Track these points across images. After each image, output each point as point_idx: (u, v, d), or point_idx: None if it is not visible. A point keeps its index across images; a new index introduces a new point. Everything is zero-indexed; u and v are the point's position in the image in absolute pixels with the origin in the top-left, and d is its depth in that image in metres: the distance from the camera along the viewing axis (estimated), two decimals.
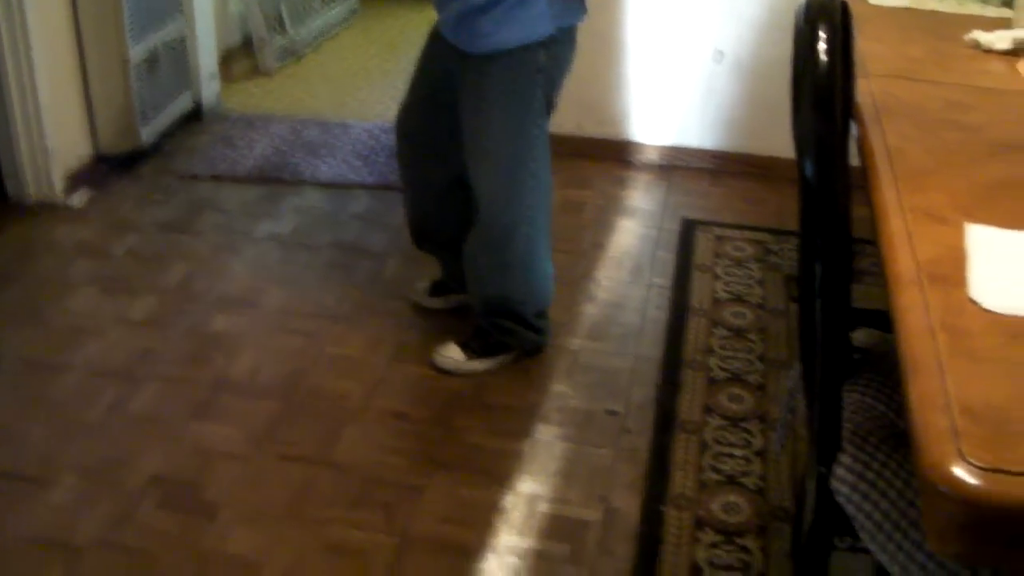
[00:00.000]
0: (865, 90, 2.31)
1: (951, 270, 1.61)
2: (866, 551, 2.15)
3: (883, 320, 2.23)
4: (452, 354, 3.22)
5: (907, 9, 3.00)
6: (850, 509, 1.80)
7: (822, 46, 1.60)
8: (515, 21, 2.83)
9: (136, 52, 4.38)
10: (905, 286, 1.59)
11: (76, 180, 4.29)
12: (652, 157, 4.56)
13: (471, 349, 3.22)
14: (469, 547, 2.59)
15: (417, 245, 3.42)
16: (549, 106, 3.00)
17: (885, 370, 2.06)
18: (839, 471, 1.82)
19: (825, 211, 1.62)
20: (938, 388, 1.35)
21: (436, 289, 3.50)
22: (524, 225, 3.05)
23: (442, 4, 2.95)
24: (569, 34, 2.95)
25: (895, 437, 1.88)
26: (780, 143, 4.30)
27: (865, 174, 2.02)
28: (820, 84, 1.60)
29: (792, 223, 3.92)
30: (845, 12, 1.73)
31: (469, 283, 3.22)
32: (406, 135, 3.25)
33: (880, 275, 3.51)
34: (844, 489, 1.81)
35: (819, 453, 1.84)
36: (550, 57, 2.90)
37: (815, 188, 1.62)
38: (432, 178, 3.21)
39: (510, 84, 2.91)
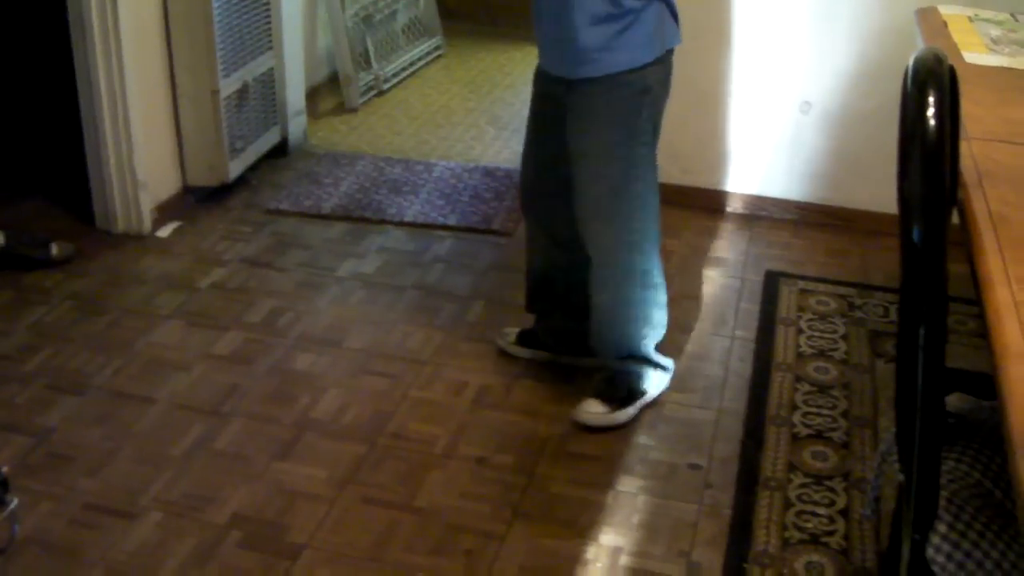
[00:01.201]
0: (966, 153, 2.29)
1: None
2: None
3: (973, 381, 2.22)
4: (595, 409, 3.20)
5: (1005, 69, 2.97)
6: None
7: (931, 111, 1.58)
8: (621, 47, 2.85)
9: (227, 85, 4.44)
10: (1013, 359, 1.56)
11: (164, 212, 4.35)
12: (736, 206, 4.55)
13: (612, 399, 3.21)
14: None
15: (529, 302, 3.43)
16: (655, 130, 3.01)
17: (981, 438, 2.04)
18: (935, 539, 1.80)
19: (931, 276, 1.60)
20: None
21: (524, 339, 3.50)
22: (635, 253, 3.08)
23: (545, 36, 2.98)
24: (670, 56, 2.98)
25: (992, 507, 1.86)
26: (863, 196, 4.34)
27: (967, 240, 2.00)
28: (929, 150, 1.58)
29: (876, 278, 3.93)
30: (952, 76, 1.72)
31: (594, 332, 3.23)
32: (527, 187, 3.28)
33: (964, 334, 3.49)
34: (940, 558, 1.79)
35: (915, 520, 1.82)
36: (655, 79, 2.93)
37: (922, 252, 1.60)
38: (556, 229, 3.22)
39: (616, 106, 2.93)
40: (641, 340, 3.20)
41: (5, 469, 2.87)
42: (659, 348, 3.30)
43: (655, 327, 3.23)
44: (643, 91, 2.92)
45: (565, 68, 2.95)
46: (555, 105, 3.04)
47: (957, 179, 2.08)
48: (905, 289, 1.71)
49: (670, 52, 2.99)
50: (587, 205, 3.06)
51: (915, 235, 1.59)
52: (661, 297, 3.20)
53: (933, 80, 1.60)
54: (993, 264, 1.82)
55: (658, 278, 3.17)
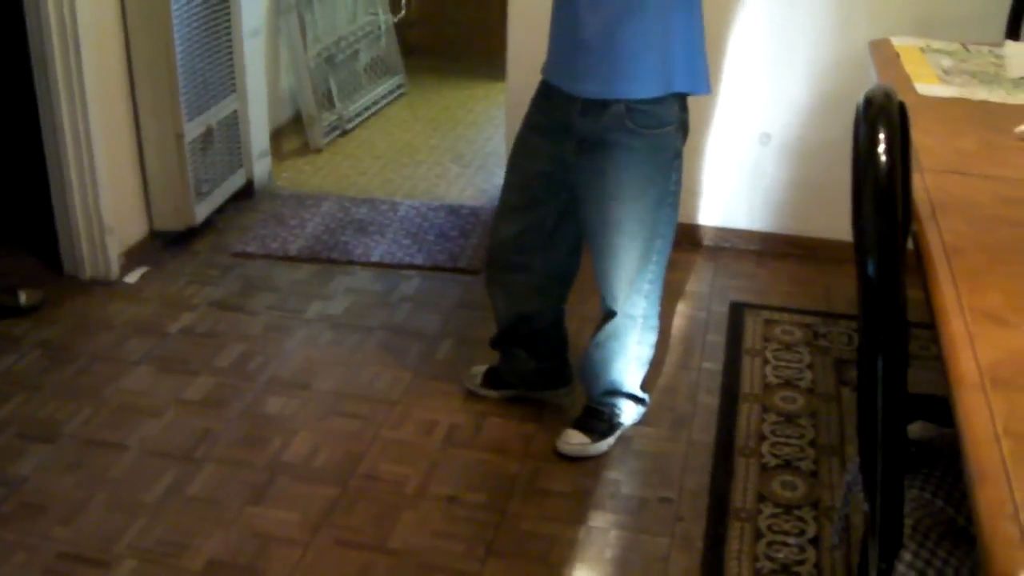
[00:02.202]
0: (919, 185, 2.32)
1: (1014, 374, 1.62)
2: None
3: (937, 407, 2.25)
4: (577, 440, 3.24)
5: (956, 100, 3.01)
6: None
7: (882, 147, 1.61)
8: (687, 68, 2.89)
9: (191, 128, 4.45)
10: (968, 390, 1.59)
11: (132, 257, 4.36)
12: (699, 238, 4.59)
13: (593, 431, 3.25)
14: None
15: (498, 342, 3.45)
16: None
17: (944, 465, 2.07)
18: (901, 568, 1.83)
19: (887, 308, 1.63)
20: (1006, 496, 1.35)
21: (490, 380, 3.52)
22: (646, 301, 3.14)
23: (592, 55, 2.86)
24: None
25: (955, 533, 1.89)
26: (825, 224, 4.39)
27: (922, 271, 2.03)
28: (881, 187, 1.61)
29: (839, 306, 3.98)
30: (903, 111, 1.75)
31: (589, 369, 3.27)
32: (501, 250, 3.25)
33: (927, 358, 3.53)
34: None
35: (880, 548, 1.85)
36: (681, 142, 2.98)
37: (877, 286, 1.63)
38: (532, 276, 3.24)
39: (652, 169, 2.95)
40: (628, 378, 3.25)
41: None
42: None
43: (643, 365, 3.28)
44: (675, 155, 2.97)
45: (629, 85, 2.86)
46: (552, 163, 3.03)
47: (911, 212, 2.11)
48: (863, 321, 1.74)
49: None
50: (609, 265, 3.08)
51: (870, 269, 1.62)
52: (654, 338, 3.25)
53: (883, 116, 1.64)
54: (948, 295, 1.86)
55: (655, 321, 3.22)
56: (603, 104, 2.88)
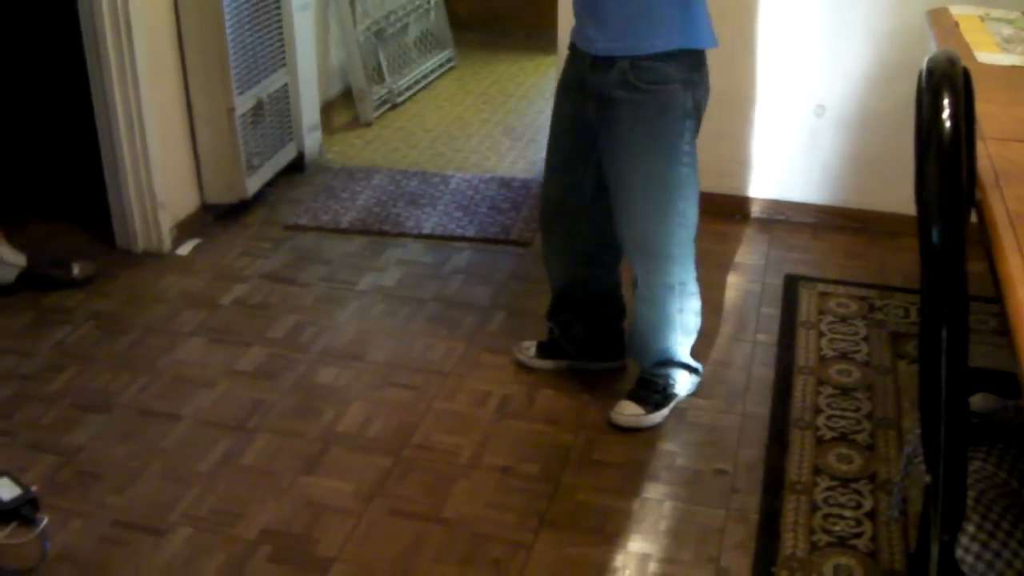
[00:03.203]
0: (982, 153, 2.29)
1: None
2: None
3: (997, 381, 2.22)
4: (631, 411, 3.23)
5: (1017, 68, 2.97)
6: None
7: (946, 113, 1.59)
8: (694, 23, 2.91)
9: (242, 103, 4.46)
10: None
11: (184, 230, 4.37)
12: (754, 211, 4.56)
13: (647, 402, 3.24)
14: None
15: (552, 313, 3.44)
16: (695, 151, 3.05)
17: (1007, 437, 2.04)
18: (964, 540, 1.81)
19: (952, 276, 1.60)
20: None
21: (544, 350, 3.51)
22: (675, 266, 3.12)
23: (609, 11, 2.92)
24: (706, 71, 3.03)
25: (1020, 506, 1.87)
26: (881, 197, 4.34)
27: (986, 241, 2.00)
28: (946, 152, 1.59)
29: (895, 279, 3.94)
30: (967, 77, 1.72)
31: (635, 341, 3.29)
32: (551, 204, 3.28)
33: (985, 332, 3.49)
34: (969, 558, 1.80)
35: (943, 521, 1.83)
36: (698, 98, 2.97)
37: (942, 255, 1.60)
38: (577, 246, 3.25)
39: (660, 130, 2.96)
40: (678, 347, 3.24)
41: (35, 488, 2.91)
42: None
43: (690, 333, 3.26)
44: (686, 114, 2.95)
45: (631, 42, 2.90)
46: (584, 124, 3.05)
47: (974, 180, 2.08)
48: (926, 290, 1.72)
49: (705, 64, 3.02)
50: (631, 225, 3.09)
51: (934, 236, 1.60)
52: (697, 304, 3.23)
53: (947, 82, 1.61)
54: (1013, 263, 1.83)
55: (693, 287, 3.20)
56: (609, 61, 2.93)
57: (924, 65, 1.68)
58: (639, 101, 2.92)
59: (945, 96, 1.59)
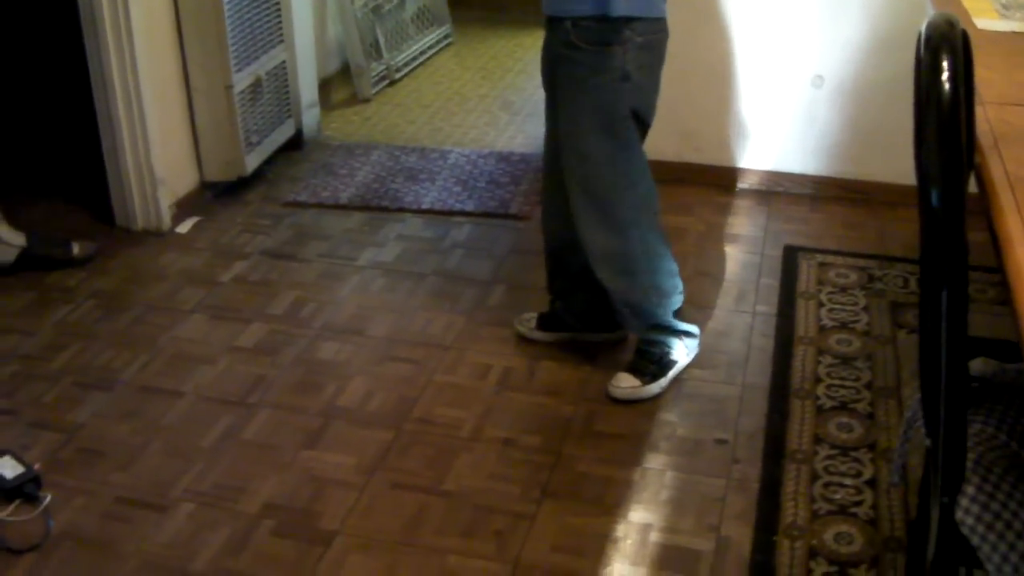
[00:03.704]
0: (981, 117, 2.29)
1: None
2: None
3: (995, 349, 2.22)
4: (627, 383, 3.23)
5: (1016, 34, 2.97)
6: (975, 540, 1.79)
7: (945, 75, 1.58)
8: None
9: (240, 80, 4.45)
10: None
11: (183, 208, 4.37)
12: (752, 183, 4.56)
13: (643, 373, 3.24)
14: None
15: (550, 279, 3.46)
16: (638, 115, 3.05)
17: (1007, 400, 2.05)
18: (964, 502, 1.81)
19: (952, 240, 1.60)
20: None
21: (544, 323, 3.51)
22: (631, 229, 3.13)
23: None
24: (657, 38, 3.03)
25: (1019, 467, 1.87)
26: (880, 168, 4.34)
27: (986, 203, 2.00)
28: (945, 114, 1.58)
29: (894, 249, 3.94)
30: (965, 40, 1.72)
31: (617, 310, 3.29)
32: (548, 163, 3.31)
33: (984, 302, 3.49)
34: (969, 520, 1.80)
35: (943, 483, 1.83)
36: (635, 65, 2.97)
37: (942, 218, 1.60)
38: (565, 204, 3.24)
39: (597, 91, 2.99)
40: (656, 310, 3.23)
41: (38, 466, 2.92)
42: (683, 318, 3.33)
43: (668, 295, 3.24)
44: (623, 77, 2.97)
45: (572, 4, 2.96)
46: (553, 81, 3.12)
47: (973, 144, 2.09)
48: (926, 254, 1.72)
49: (657, 36, 3.02)
50: (576, 187, 3.12)
51: (934, 200, 1.60)
52: (668, 265, 3.23)
53: (946, 45, 1.61)
54: (1012, 224, 1.83)
55: (660, 248, 3.21)
56: (557, 21, 3.01)
57: (922, 28, 1.67)
58: (577, 60, 2.98)
59: (944, 58, 1.58)
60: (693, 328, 3.33)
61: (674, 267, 3.25)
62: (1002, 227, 1.84)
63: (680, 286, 3.28)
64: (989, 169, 2.08)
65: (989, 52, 2.78)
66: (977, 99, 2.33)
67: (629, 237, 3.13)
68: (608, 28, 2.91)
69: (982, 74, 2.52)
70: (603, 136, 3.03)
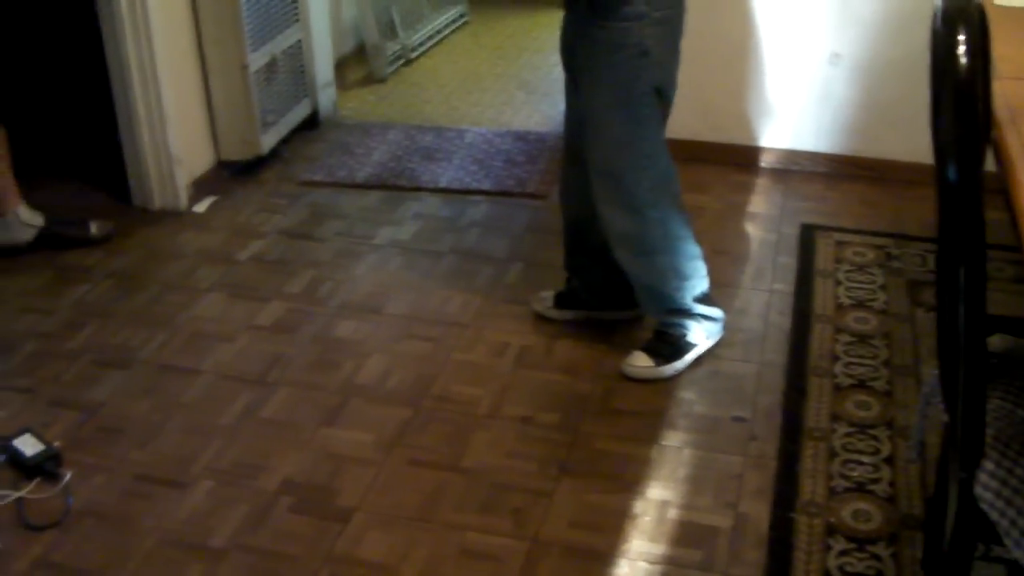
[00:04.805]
0: (998, 92, 2.29)
1: None
2: (1000, 560, 2.15)
3: (1014, 326, 2.22)
4: (642, 362, 3.23)
5: None
6: (994, 515, 1.79)
7: (962, 49, 1.58)
8: None
9: (255, 59, 4.46)
10: None
11: (200, 187, 4.38)
12: (768, 161, 4.55)
13: (658, 354, 3.24)
14: (600, 553, 2.60)
15: (568, 258, 3.46)
16: (660, 92, 3.04)
17: None
18: (983, 477, 1.82)
19: (970, 215, 1.60)
20: None
21: (561, 301, 3.51)
22: (648, 210, 3.11)
23: None
24: (676, 16, 3.01)
25: None
26: (897, 146, 4.32)
27: (1003, 178, 2.00)
28: (961, 87, 1.58)
29: (912, 228, 3.93)
30: (982, 14, 1.72)
31: (635, 288, 3.28)
32: (569, 136, 3.31)
33: (1002, 280, 3.49)
34: (988, 495, 1.80)
35: (961, 459, 1.83)
36: (654, 40, 2.95)
37: (959, 192, 1.60)
38: (585, 181, 3.23)
39: (616, 68, 2.97)
40: (675, 294, 3.22)
41: (58, 444, 2.94)
42: (709, 303, 3.31)
43: (688, 279, 3.23)
44: (641, 53, 2.94)
45: None
46: (573, 57, 3.11)
47: (990, 117, 2.08)
48: (943, 230, 1.72)
49: (675, 11, 3.00)
50: (596, 162, 3.11)
51: (951, 174, 1.59)
52: (689, 249, 3.21)
53: (962, 18, 1.61)
54: None
55: (681, 231, 3.19)
56: None
57: (938, 1, 1.67)
58: (596, 37, 2.96)
59: (960, 31, 1.58)
60: (715, 312, 3.32)
61: (696, 250, 3.23)
62: (1019, 200, 1.84)
63: (703, 270, 3.26)
64: (1007, 143, 2.08)
65: (1006, 28, 2.78)
66: (994, 74, 2.33)
67: (647, 218, 3.12)
68: (625, 3, 2.90)
69: (1000, 50, 2.52)
70: (622, 114, 3.02)
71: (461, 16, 6.71)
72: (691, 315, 3.25)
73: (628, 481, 2.83)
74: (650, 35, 2.93)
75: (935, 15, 1.69)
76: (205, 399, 3.19)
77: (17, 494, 2.81)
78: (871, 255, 3.84)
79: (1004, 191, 1.98)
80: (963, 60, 1.57)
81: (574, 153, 3.24)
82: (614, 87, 3.00)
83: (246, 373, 3.29)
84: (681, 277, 3.21)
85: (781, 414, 3.06)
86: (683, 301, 3.23)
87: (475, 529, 2.68)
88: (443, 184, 4.46)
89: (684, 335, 3.25)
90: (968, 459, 1.82)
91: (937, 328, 1.93)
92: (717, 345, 3.34)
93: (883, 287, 3.65)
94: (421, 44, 6.18)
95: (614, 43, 2.94)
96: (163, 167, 4.22)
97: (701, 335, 3.28)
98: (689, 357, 3.26)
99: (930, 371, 2.69)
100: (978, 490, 1.81)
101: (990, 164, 1.94)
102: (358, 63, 5.89)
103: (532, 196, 4.35)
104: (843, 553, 2.57)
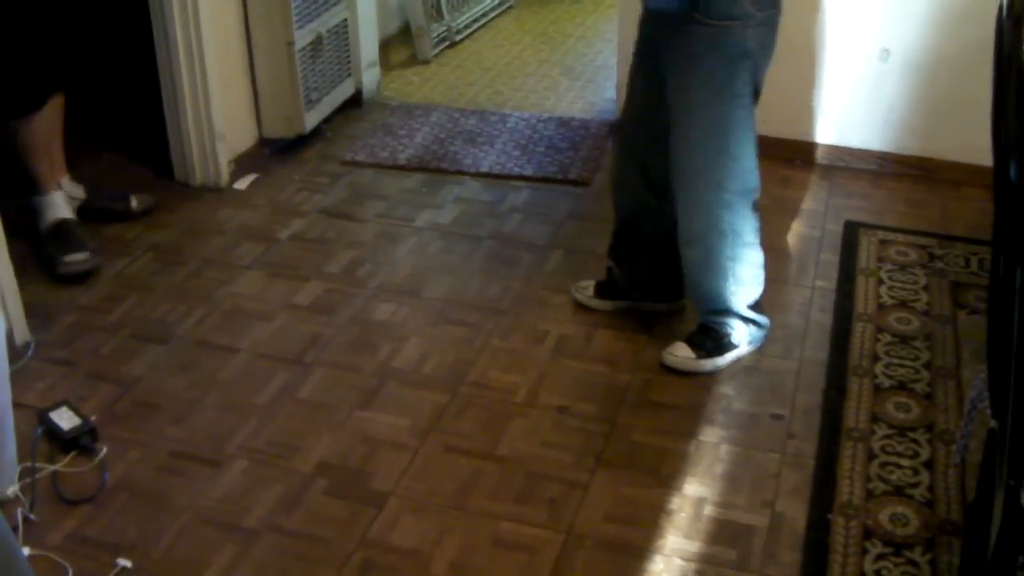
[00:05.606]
0: None
1: None
2: None
3: None
4: (682, 353, 3.21)
5: None
6: None
7: None
8: None
9: (301, 37, 4.44)
10: None
11: (241, 164, 4.38)
12: (815, 156, 4.51)
13: (701, 347, 3.21)
14: (635, 547, 2.59)
15: (613, 247, 3.43)
16: (755, 92, 3.01)
17: None
18: None
19: None
20: None
21: (602, 290, 3.49)
22: (724, 210, 3.08)
23: None
24: (775, 16, 2.98)
25: None
26: (944, 145, 4.28)
27: None
28: None
29: (957, 228, 3.89)
30: None
31: (688, 284, 3.26)
32: (627, 126, 3.29)
33: None
34: None
35: (1009, 466, 1.81)
36: (756, 42, 2.92)
37: (1020, 193, 1.57)
38: (650, 169, 3.20)
39: (713, 69, 2.92)
40: (730, 296, 3.18)
41: (94, 418, 2.94)
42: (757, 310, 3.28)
43: (745, 284, 3.19)
44: (742, 54, 2.90)
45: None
46: (655, 52, 3.04)
47: None
48: (1000, 231, 1.69)
49: (776, 11, 2.96)
50: (680, 159, 3.06)
51: (1012, 173, 1.57)
52: (753, 256, 3.18)
53: None
54: None
55: (750, 237, 3.15)
56: None
57: None
58: (694, 34, 2.90)
59: None
60: (762, 319, 3.28)
61: (759, 258, 3.20)
62: None
63: (761, 278, 3.23)
64: None
65: None
66: None
67: (721, 219, 3.08)
68: (732, 3, 2.85)
69: None
70: (713, 114, 2.98)
71: (506, 0, 6.68)
72: (739, 316, 3.23)
73: (664, 475, 2.81)
74: (752, 36, 2.89)
75: (1000, 9, 1.66)
76: (242, 377, 3.19)
77: (53, 467, 2.81)
78: (914, 255, 3.80)
79: None
80: None
81: (631, 148, 3.22)
82: (708, 87, 2.95)
83: (283, 352, 3.29)
84: (739, 282, 3.18)
85: (820, 413, 3.04)
86: (735, 304, 3.21)
87: (509, 519, 2.67)
88: (485, 168, 4.44)
89: (729, 334, 3.22)
90: (1016, 466, 1.79)
91: (988, 331, 1.90)
92: None
93: (926, 288, 3.61)
94: (466, 27, 6.17)
95: (714, 42, 2.89)
96: (205, 143, 4.22)
97: (744, 338, 3.25)
98: (730, 356, 3.23)
99: (975, 375, 2.66)
100: None
101: None
102: (403, 44, 5.88)
103: (574, 183, 4.33)
104: (880, 557, 2.55)
